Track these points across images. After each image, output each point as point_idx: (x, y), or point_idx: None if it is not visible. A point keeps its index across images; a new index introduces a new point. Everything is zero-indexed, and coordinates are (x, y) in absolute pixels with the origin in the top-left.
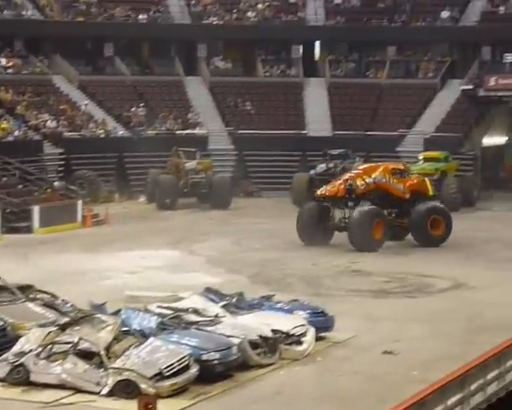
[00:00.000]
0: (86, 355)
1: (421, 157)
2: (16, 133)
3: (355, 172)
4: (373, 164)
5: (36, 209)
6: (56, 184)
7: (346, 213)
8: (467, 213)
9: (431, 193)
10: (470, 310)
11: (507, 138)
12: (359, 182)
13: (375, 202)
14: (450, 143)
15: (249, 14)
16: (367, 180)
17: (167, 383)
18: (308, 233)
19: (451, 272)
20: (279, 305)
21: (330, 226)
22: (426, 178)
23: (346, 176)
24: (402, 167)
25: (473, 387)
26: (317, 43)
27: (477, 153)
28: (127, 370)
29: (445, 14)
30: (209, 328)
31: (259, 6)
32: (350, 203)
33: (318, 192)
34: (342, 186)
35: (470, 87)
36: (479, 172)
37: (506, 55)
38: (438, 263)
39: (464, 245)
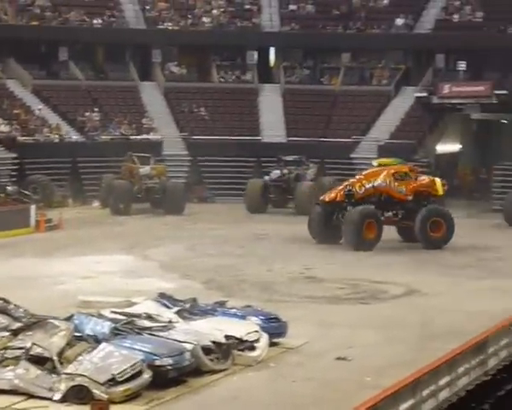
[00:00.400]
0: (39, 361)
1: (375, 164)
2: None
3: (357, 177)
4: (376, 169)
5: None
6: (9, 188)
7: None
8: None
9: (440, 193)
10: (423, 317)
11: (460, 146)
12: (358, 187)
13: (377, 205)
14: (404, 150)
15: (204, 19)
16: (366, 185)
17: (120, 388)
18: (318, 235)
19: (404, 279)
20: (232, 311)
21: (336, 228)
22: (437, 179)
23: (347, 182)
24: (405, 170)
25: (425, 393)
26: (272, 50)
27: (431, 160)
28: (80, 375)
29: (399, 21)
30: (162, 334)
31: (214, 12)
32: (349, 207)
33: (320, 198)
34: (342, 192)
35: (424, 94)
36: None
37: (460, 62)
38: (391, 269)
39: (417, 252)
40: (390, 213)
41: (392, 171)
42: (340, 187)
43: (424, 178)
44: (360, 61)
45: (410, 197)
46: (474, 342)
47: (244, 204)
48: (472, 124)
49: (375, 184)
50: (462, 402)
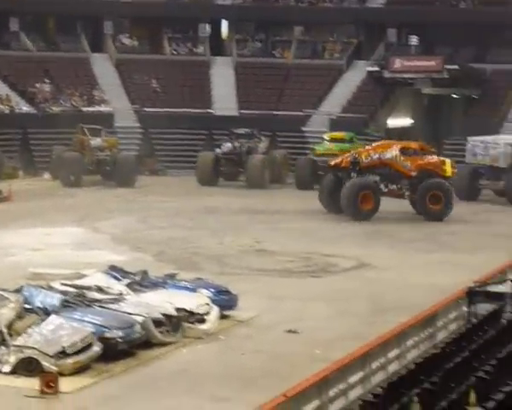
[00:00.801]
0: None
1: (326, 137)
2: None
3: (366, 147)
4: (386, 142)
5: None
6: None
7: None
8: None
9: (448, 174)
10: (373, 290)
11: (411, 120)
12: (364, 156)
13: (382, 176)
14: (356, 124)
15: None
16: (372, 156)
17: (70, 360)
18: (327, 202)
19: (355, 252)
20: (183, 283)
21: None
22: (447, 160)
23: (355, 151)
24: (414, 147)
25: (374, 366)
26: (225, 22)
27: (382, 134)
28: (29, 348)
29: None
30: (113, 306)
31: None
32: (353, 174)
33: (328, 162)
34: (348, 159)
35: (376, 69)
36: None
37: (411, 37)
38: (342, 243)
39: (368, 225)
40: (394, 186)
41: (400, 146)
42: (348, 154)
43: (433, 158)
44: (312, 34)
45: (414, 173)
46: (424, 316)
47: (195, 177)
48: (423, 98)
49: (381, 155)
50: (411, 375)
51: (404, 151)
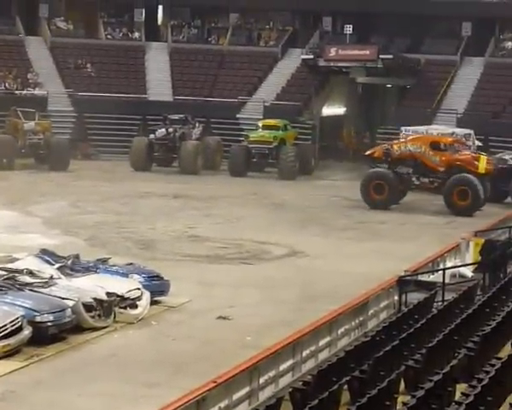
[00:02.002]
0: None
1: (260, 124)
2: None
3: (401, 139)
4: (420, 136)
5: None
6: None
7: None
8: (304, 181)
9: (480, 171)
10: (304, 278)
11: (345, 109)
12: (396, 148)
13: (414, 169)
14: (290, 112)
15: None
16: (402, 148)
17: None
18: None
19: (288, 240)
20: (114, 268)
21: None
22: (482, 157)
23: (390, 142)
24: (446, 141)
25: (305, 353)
26: (160, 8)
27: (315, 122)
28: None
29: None
30: (43, 290)
31: None
32: (384, 165)
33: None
34: (381, 150)
35: (311, 57)
36: (317, 142)
37: (346, 26)
38: (275, 230)
39: (300, 213)
40: (426, 180)
41: (431, 139)
42: (381, 145)
43: (466, 154)
44: (248, 21)
45: (442, 168)
46: (355, 304)
47: (129, 162)
48: (357, 87)
49: (412, 148)
50: (341, 363)
51: (434, 145)
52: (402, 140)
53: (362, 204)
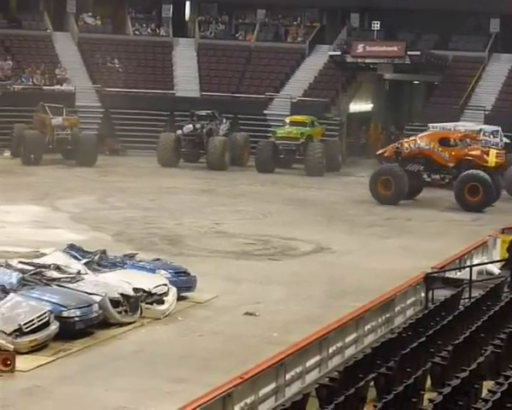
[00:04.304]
0: None
1: (287, 121)
2: None
3: (412, 137)
4: (431, 132)
5: None
6: None
7: None
8: (331, 177)
9: (491, 165)
10: (331, 274)
11: (372, 105)
12: (406, 146)
13: (425, 166)
14: (317, 108)
15: None
16: (412, 145)
17: (27, 339)
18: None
19: (314, 236)
20: (141, 264)
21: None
22: (492, 150)
23: (401, 140)
24: (455, 136)
25: (331, 349)
26: (188, 4)
27: (343, 119)
28: None
29: None
30: (71, 285)
31: None
32: (395, 164)
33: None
34: (391, 149)
35: (338, 53)
36: (344, 138)
37: (374, 22)
38: (301, 227)
39: (327, 209)
40: (437, 176)
41: (440, 136)
42: (394, 144)
43: (476, 148)
44: (275, 17)
45: (452, 164)
46: (381, 300)
47: (156, 158)
48: (385, 84)
49: (421, 145)
50: (367, 359)
51: (443, 142)
52: (412, 138)
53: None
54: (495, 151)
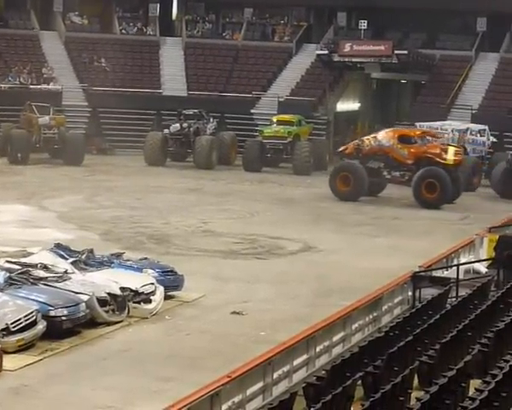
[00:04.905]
0: None
1: (274, 120)
2: None
3: (372, 135)
4: (391, 130)
5: None
6: None
7: None
8: (318, 176)
9: (449, 162)
10: (319, 273)
11: (360, 104)
12: (366, 143)
13: (385, 163)
14: (304, 107)
15: None
16: (372, 143)
17: (14, 338)
18: None
19: (302, 235)
20: (129, 263)
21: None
22: (451, 148)
23: (363, 137)
24: (414, 134)
25: (318, 348)
26: (175, 2)
27: (330, 118)
28: None
29: None
30: (58, 284)
31: None
32: (356, 161)
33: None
34: (352, 146)
35: (325, 52)
36: (331, 137)
37: (361, 21)
38: (289, 226)
39: (315, 208)
40: (397, 173)
41: (399, 133)
42: (355, 140)
43: (434, 146)
44: (262, 16)
45: (411, 161)
46: (369, 299)
47: (143, 157)
48: (372, 83)
49: (381, 143)
50: (355, 358)
51: (403, 139)
52: (372, 135)
53: (376, 200)
54: (453, 149)
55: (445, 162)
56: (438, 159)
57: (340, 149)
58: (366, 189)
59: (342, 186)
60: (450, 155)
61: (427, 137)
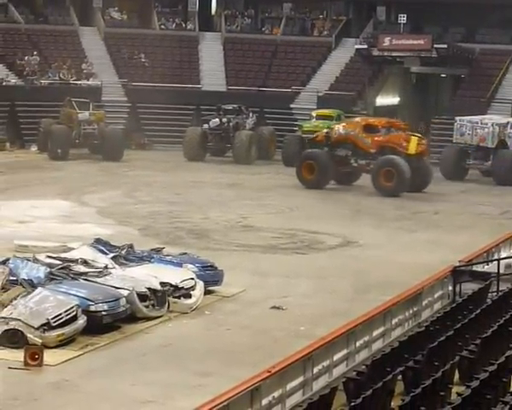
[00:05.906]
0: None
1: (314, 114)
2: None
3: (342, 123)
4: (359, 119)
5: None
6: None
7: None
8: None
9: (411, 152)
10: (358, 268)
11: (399, 99)
12: (335, 131)
13: (352, 152)
14: (344, 102)
15: None
16: (340, 131)
17: (54, 333)
18: None
19: (341, 230)
20: (168, 258)
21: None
22: (413, 137)
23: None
24: (381, 123)
25: (358, 343)
26: None
27: (369, 112)
28: (14, 319)
29: None
30: (98, 279)
31: None
32: (325, 148)
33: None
34: (323, 134)
35: (364, 46)
36: None
37: (400, 15)
38: (328, 220)
39: (353, 203)
40: (363, 162)
41: (365, 122)
42: (325, 129)
43: (397, 135)
44: (301, 11)
45: (374, 150)
46: (409, 294)
47: (182, 152)
48: (411, 77)
49: (347, 131)
50: (395, 353)
51: (368, 128)
52: (342, 124)
53: (415, 195)
54: (416, 139)
55: (407, 152)
56: (399, 149)
57: (312, 138)
58: (330, 176)
59: (307, 174)
60: (413, 145)
61: (391, 128)
